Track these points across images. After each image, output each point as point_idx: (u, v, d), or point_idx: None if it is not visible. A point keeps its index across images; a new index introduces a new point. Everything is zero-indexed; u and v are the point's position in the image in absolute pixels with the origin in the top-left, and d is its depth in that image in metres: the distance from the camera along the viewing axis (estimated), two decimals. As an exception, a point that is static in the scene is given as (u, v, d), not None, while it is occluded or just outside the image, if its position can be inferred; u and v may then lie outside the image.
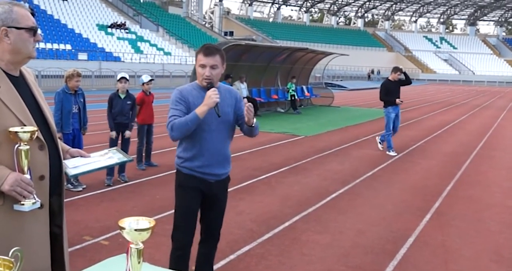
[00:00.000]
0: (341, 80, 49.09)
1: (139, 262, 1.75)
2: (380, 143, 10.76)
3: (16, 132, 2.01)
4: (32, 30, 2.16)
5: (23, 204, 2.06)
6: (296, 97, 18.62)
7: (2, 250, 2.04)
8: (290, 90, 18.39)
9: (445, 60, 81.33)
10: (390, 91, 10.05)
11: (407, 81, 10.40)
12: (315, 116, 17.73)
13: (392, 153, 10.16)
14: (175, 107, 3.17)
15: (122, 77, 7.26)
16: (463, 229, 5.56)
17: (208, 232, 3.46)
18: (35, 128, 2.07)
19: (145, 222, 1.75)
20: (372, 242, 5.02)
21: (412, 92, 37.88)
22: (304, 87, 21.11)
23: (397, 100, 9.98)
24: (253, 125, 3.17)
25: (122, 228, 1.70)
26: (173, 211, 3.43)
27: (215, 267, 4.23)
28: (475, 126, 16.14)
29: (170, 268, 2.73)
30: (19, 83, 2.17)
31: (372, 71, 61.78)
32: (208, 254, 3.53)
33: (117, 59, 34.88)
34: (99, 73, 29.43)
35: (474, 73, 75.78)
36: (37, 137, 2.10)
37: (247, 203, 6.31)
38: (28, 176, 2.06)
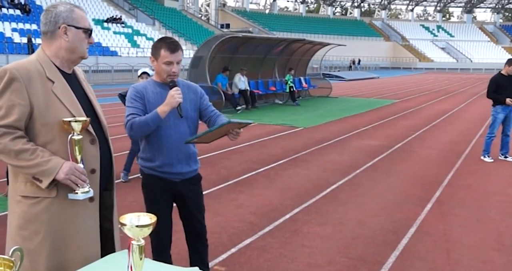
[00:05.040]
0: (339, 70, 49.00)
1: (141, 258, 1.74)
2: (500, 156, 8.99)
3: (70, 122, 2.10)
4: (88, 32, 2.28)
5: (77, 193, 2.13)
6: (294, 89, 18.58)
7: (56, 240, 2.13)
8: (289, 82, 18.34)
9: (443, 48, 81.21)
10: (501, 88, 8.43)
11: None
12: (313, 107, 17.70)
13: (486, 159, 8.76)
14: (132, 105, 3.03)
15: (144, 73, 6.94)
16: (464, 218, 5.57)
17: (190, 232, 3.31)
18: (87, 118, 2.17)
19: (146, 218, 1.74)
20: (373, 233, 5.02)
21: (409, 82, 37.85)
22: (302, 78, 21.07)
23: (508, 100, 8.29)
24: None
25: (123, 225, 1.69)
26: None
27: (216, 260, 4.25)
28: (473, 114, 16.12)
29: None
30: (72, 80, 2.30)
31: (353, 62, 61.33)
32: (199, 254, 3.36)
33: (114, 53, 34.70)
34: (96, 68, 29.30)
35: (471, 61, 75.68)
36: (88, 131, 2.21)
37: (246, 196, 6.31)
38: (81, 165, 2.14)
